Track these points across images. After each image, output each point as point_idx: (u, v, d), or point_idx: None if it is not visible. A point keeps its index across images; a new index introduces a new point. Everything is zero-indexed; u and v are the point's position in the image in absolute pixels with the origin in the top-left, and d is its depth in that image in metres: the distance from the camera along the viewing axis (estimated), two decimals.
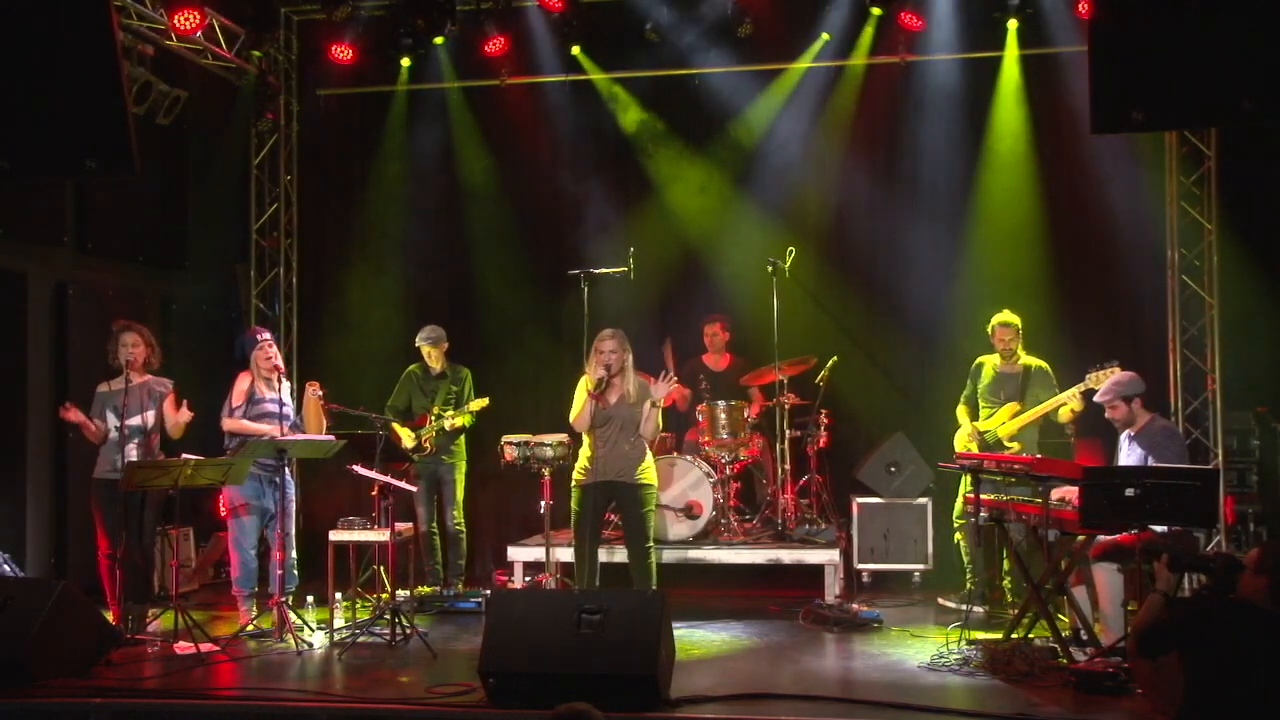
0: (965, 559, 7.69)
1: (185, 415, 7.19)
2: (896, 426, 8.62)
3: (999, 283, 8.56)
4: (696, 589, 8.09)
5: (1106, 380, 6.77)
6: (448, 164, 9.80)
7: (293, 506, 7.29)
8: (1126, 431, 6.60)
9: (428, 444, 8.07)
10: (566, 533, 8.07)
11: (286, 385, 7.47)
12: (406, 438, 7.98)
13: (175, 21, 8.54)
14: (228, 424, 7.27)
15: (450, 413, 8.08)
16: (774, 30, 9.17)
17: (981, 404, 7.70)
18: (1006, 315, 7.61)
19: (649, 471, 6.84)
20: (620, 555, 7.27)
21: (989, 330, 7.67)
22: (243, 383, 7.31)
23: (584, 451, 6.87)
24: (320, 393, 7.29)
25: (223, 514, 8.39)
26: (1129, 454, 6.52)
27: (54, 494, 8.27)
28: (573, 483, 6.90)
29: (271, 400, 7.28)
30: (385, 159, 9.86)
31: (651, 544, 6.86)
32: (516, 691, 5.31)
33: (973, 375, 7.80)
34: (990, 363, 7.71)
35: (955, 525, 7.75)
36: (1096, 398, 6.67)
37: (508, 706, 5.30)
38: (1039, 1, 8.65)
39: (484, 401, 8.15)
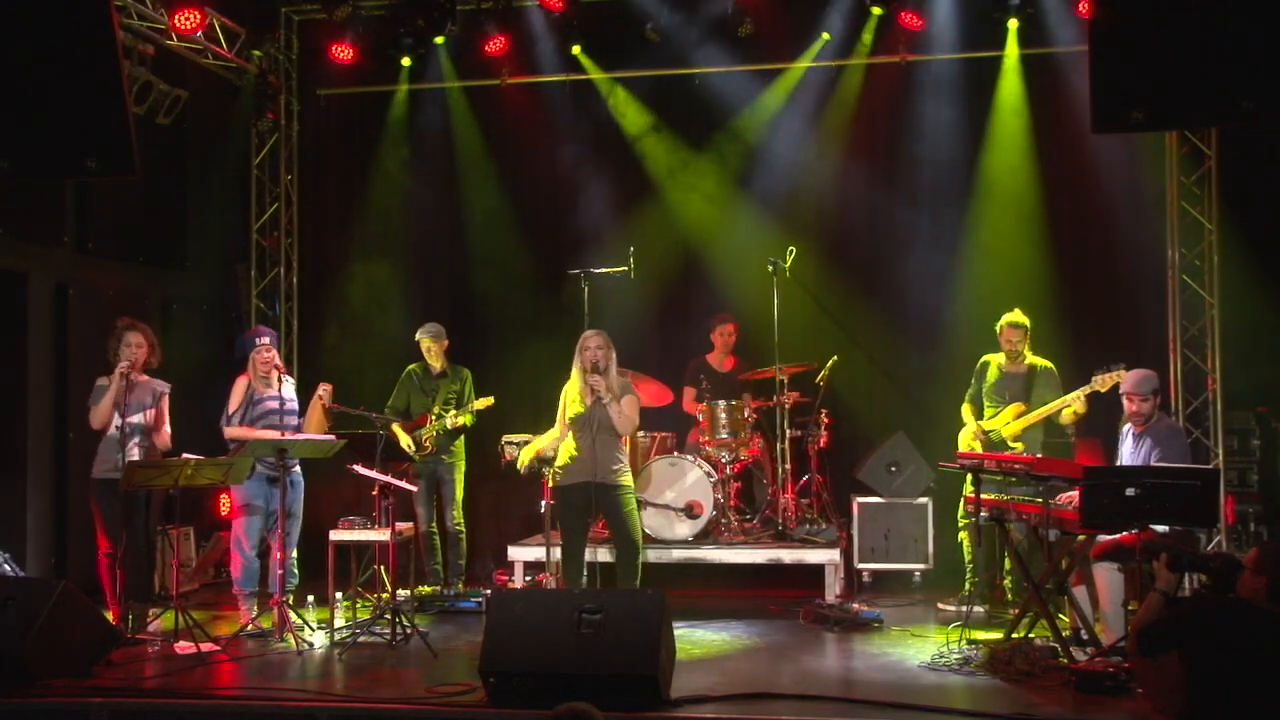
0: (968, 558, 7.68)
1: (165, 435, 7.22)
2: (896, 426, 8.61)
3: (999, 282, 8.56)
4: (696, 589, 8.09)
5: (1114, 379, 6.78)
6: (448, 164, 9.80)
7: (299, 506, 7.28)
8: (1129, 428, 6.59)
9: (429, 443, 8.07)
10: None
11: (290, 383, 7.47)
12: (404, 442, 7.97)
13: (175, 21, 8.55)
14: (229, 432, 7.26)
15: (452, 412, 8.09)
16: (774, 30, 9.17)
17: (986, 403, 7.70)
18: (1016, 315, 7.60)
19: (625, 474, 6.89)
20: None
21: (997, 329, 7.66)
22: (239, 386, 7.30)
23: (563, 451, 6.93)
24: (325, 395, 7.30)
25: (225, 513, 8.39)
26: (1135, 450, 6.51)
27: (54, 494, 8.27)
28: (551, 485, 6.96)
29: (271, 399, 7.27)
30: (385, 159, 9.87)
31: (637, 544, 6.88)
32: (516, 691, 5.31)
33: (977, 374, 7.79)
34: (995, 362, 7.71)
35: (960, 525, 7.74)
36: (1126, 389, 6.57)
37: (508, 706, 5.29)
38: (1039, 1, 8.65)
39: (489, 400, 8.15)
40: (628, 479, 6.93)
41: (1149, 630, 4.40)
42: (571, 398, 6.93)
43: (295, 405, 7.36)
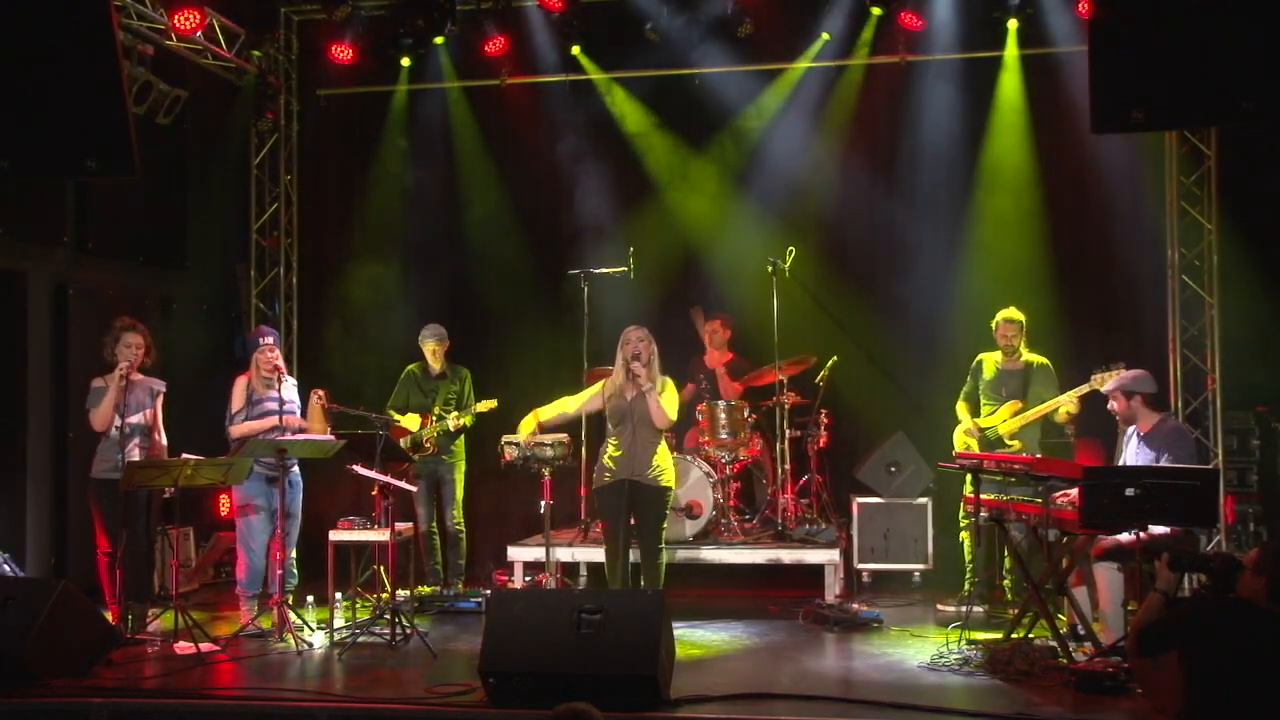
0: (968, 558, 7.68)
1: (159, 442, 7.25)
2: (896, 426, 8.61)
3: (999, 282, 8.56)
4: (696, 589, 8.09)
5: (1112, 378, 6.81)
6: (448, 164, 9.80)
7: (297, 507, 7.28)
8: (1134, 429, 6.60)
9: (429, 444, 8.07)
10: (567, 533, 8.12)
11: (291, 383, 7.46)
12: (411, 423, 7.97)
13: (175, 21, 8.55)
14: (234, 431, 7.26)
15: (454, 413, 8.09)
16: (774, 30, 9.18)
17: (983, 401, 7.70)
18: (1011, 311, 7.62)
19: (668, 474, 6.83)
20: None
21: (992, 326, 7.67)
22: (239, 386, 7.30)
23: (607, 451, 6.88)
24: (323, 398, 7.30)
25: (225, 514, 8.37)
26: (1138, 454, 6.51)
27: (54, 494, 8.26)
28: (593, 485, 6.92)
29: (272, 399, 7.27)
30: (385, 159, 9.87)
31: (663, 545, 6.88)
32: (516, 691, 5.31)
33: (973, 372, 7.80)
34: (991, 360, 7.71)
35: (961, 525, 7.74)
36: (1104, 389, 6.66)
37: (508, 706, 5.30)
38: (1039, 1, 8.65)
39: (493, 403, 8.11)
40: (667, 480, 6.83)
41: (1149, 630, 4.40)
42: (610, 391, 6.87)
43: (296, 406, 7.36)
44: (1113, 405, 6.59)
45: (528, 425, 7.06)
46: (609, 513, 6.85)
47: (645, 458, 6.75)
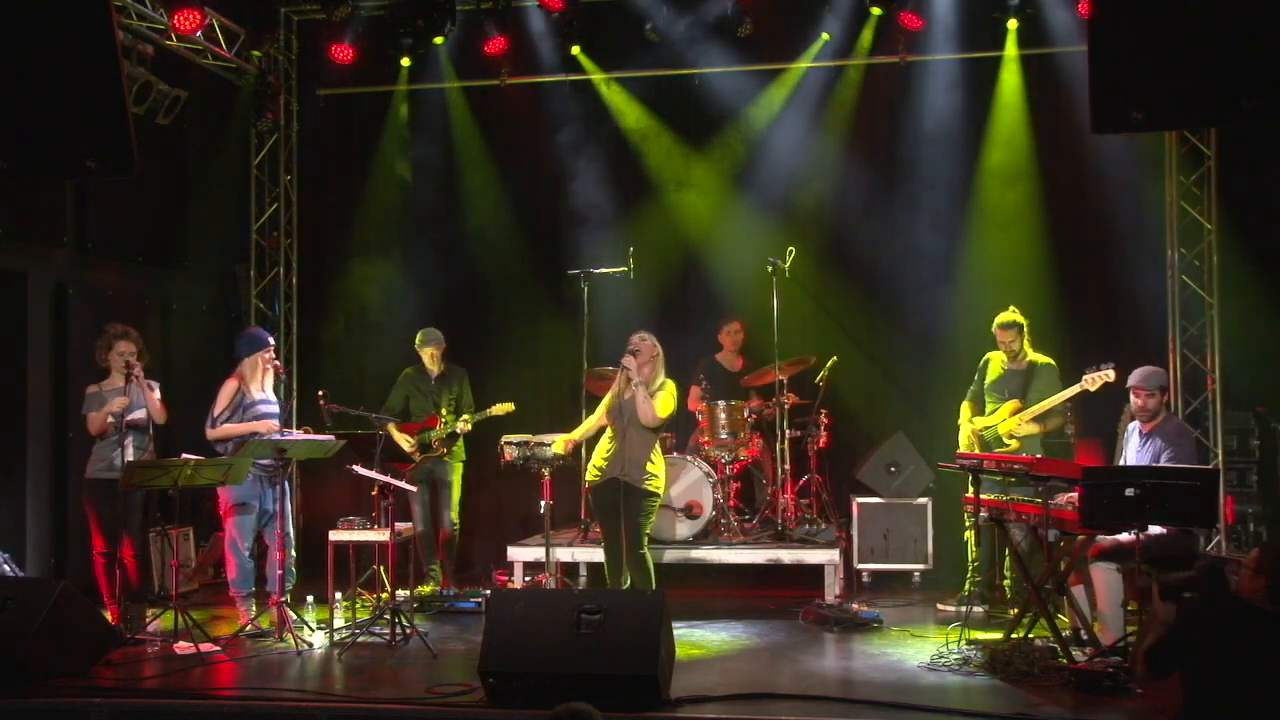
0: (971, 558, 7.67)
1: (156, 398, 7.17)
2: (896, 426, 8.62)
3: (998, 282, 8.56)
4: (696, 589, 8.09)
5: (1104, 378, 6.81)
6: (447, 164, 9.81)
7: (290, 506, 7.27)
8: (1136, 426, 6.58)
9: (438, 445, 8.07)
10: (567, 533, 8.11)
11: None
12: (405, 444, 7.97)
13: (175, 21, 8.55)
14: (211, 434, 7.18)
15: (465, 415, 8.07)
16: (774, 30, 9.19)
17: (987, 400, 7.70)
18: (1007, 315, 7.56)
19: (656, 480, 6.81)
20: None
21: (993, 331, 7.66)
22: (228, 389, 7.22)
23: (599, 449, 6.89)
24: (324, 398, 7.31)
25: (220, 514, 8.36)
26: (1141, 450, 6.49)
27: (54, 494, 8.26)
28: (585, 484, 6.91)
29: (268, 401, 7.25)
30: (385, 159, 9.87)
31: (645, 550, 6.85)
32: (516, 691, 5.32)
33: (980, 371, 7.78)
34: (997, 359, 7.69)
35: (966, 525, 7.73)
36: (1134, 383, 6.54)
37: (508, 706, 5.30)
38: (1039, 1, 8.66)
39: (509, 406, 8.06)
40: (654, 485, 6.81)
41: (1158, 649, 4.39)
42: (615, 390, 6.92)
43: (278, 406, 7.39)
44: (1141, 402, 6.48)
45: (563, 445, 7.17)
46: (601, 511, 6.87)
47: (635, 458, 6.75)
